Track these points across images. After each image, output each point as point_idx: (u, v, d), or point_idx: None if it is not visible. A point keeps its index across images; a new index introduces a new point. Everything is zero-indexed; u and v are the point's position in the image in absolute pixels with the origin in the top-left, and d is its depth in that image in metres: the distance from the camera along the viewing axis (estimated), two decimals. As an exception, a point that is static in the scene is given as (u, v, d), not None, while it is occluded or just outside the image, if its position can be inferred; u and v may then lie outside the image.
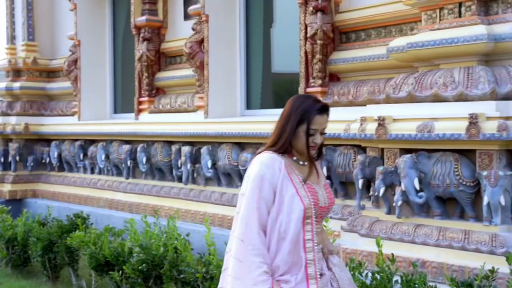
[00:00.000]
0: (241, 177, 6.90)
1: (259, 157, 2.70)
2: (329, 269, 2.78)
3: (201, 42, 7.52)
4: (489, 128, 4.38)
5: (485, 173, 4.42)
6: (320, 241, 2.77)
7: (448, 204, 4.85)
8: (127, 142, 8.65)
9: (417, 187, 4.76)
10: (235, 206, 6.78)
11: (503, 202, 4.36)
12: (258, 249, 2.55)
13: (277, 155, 2.69)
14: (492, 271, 3.46)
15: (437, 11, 5.02)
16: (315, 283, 2.63)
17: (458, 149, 4.68)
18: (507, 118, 4.40)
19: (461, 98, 4.68)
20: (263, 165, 2.64)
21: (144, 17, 8.38)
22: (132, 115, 8.86)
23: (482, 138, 4.40)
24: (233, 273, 2.58)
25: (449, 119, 4.64)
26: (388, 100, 5.20)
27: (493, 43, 4.59)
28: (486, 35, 4.55)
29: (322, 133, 2.71)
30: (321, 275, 2.70)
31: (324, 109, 2.70)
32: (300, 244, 2.62)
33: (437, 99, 4.82)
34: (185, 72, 8.09)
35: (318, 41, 6.16)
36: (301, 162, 2.75)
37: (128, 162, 8.33)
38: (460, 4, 4.83)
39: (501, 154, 4.49)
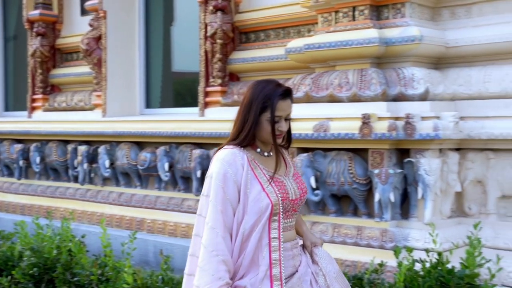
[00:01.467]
0: (139, 177, 6.79)
1: (219, 153, 2.49)
2: (315, 262, 2.62)
3: (98, 38, 7.32)
4: (380, 128, 4.56)
5: (376, 171, 4.60)
6: (301, 234, 2.67)
7: (342, 202, 5.01)
8: (19, 141, 8.26)
9: (313, 185, 4.88)
10: (133, 206, 6.78)
11: (392, 199, 4.56)
12: (223, 255, 2.37)
13: (238, 150, 2.49)
14: (381, 265, 3.62)
15: (333, 14, 5.17)
16: (279, 285, 2.43)
17: (352, 148, 4.85)
18: (397, 118, 4.61)
19: (355, 98, 4.85)
20: (225, 162, 2.44)
21: (37, 11, 8.04)
22: (25, 113, 8.48)
23: (374, 138, 4.58)
24: (196, 281, 2.40)
25: (343, 119, 4.79)
26: (286, 100, 5.28)
27: (384, 47, 4.80)
28: (378, 39, 4.74)
29: (287, 119, 2.54)
30: (292, 275, 2.51)
31: (287, 93, 2.52)
32: (264, 243, 2.43)
33: (332, 99, 4.97)
34: (82, 69, 7.84)
35: (218, 41, 6.17)
36: (265, 154, 2.56)
37: (20, 162, 7.97)
38: (354, 8, 5.00)
39: (391, 153, 4.70)
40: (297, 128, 4.98)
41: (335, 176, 4.84)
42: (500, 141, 4.55)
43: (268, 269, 2.42)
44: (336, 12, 5.14)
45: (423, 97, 4.71)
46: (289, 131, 2.61)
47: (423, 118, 4.54)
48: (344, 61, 5.03)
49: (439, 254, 3.59)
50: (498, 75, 4.70)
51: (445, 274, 3.40)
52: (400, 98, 4.78)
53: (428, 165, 4.50)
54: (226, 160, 2.44)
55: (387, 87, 4.76)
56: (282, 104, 2.49)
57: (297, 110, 5.08)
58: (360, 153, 4.84)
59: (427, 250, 3.66)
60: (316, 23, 5.42)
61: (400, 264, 3.50)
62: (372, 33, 4.79)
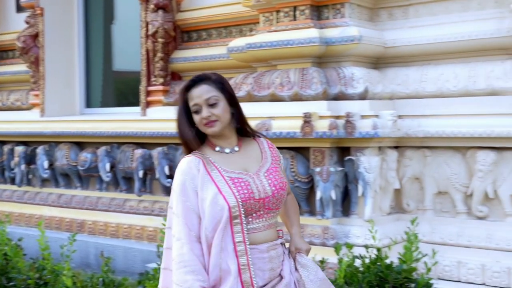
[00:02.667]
0: (80, 178, 6.66)
1: (179, 164, 2.42)
2: (297, 270, 2.46)
3: (35, 36, 7.12)
4: (322, 126, 4.62)
5: (318, 169, 4.66)
6: (290, 237, 2.53)
7: (285, 200, 5.05)
8: (-48, 142, 7.96)
9: (256, 184, 4.89)
10: (73, 208, 6.65)
11: (333, 197, 4.63)
12: (190, 265, 2.27)
13: (195, 156, 2.39)
14: (323, 261, 3.66)
15: (274, 13, 5.21)
16: None
17: (294, 146, 4.89)
18: (337, 117, 4.68)
19: (296, 97, 4.90)
20: (181, 171, 2.37)
21: (-30, 7, 7.78)
22: (-42, 113, 8.18)
23: (315, 136, 4.64)
24: None
25: (285, 118, 4.83)
26: (228, 99, 5.28)
27: (325, 46, 4.86)
28: (318, 38, 4.80)
29: (212, 105, 2.36)
30: (274, 281, 2.36)
31: (195, 81, 2.39)
32: (230, 248, 2.30)
33: (274, 98, 5.00)
34: (18, 67, 7.62)
35: (160, 40, 6.11)
36: (227, 150, 2.42)
37: (-46, 164, 7.67)
38: (295, 8, 5.04)
39: (332, 151, 4.77)
40: (240, 127, 5.00)
41: (278, 174, 4.86)
42: (436, 139, 4.68)
43: (238, 275, 2.29)
44: (277, 11, 5.17)
45: (363, 96, 4.80)
46: (239, 114, 2.44)
47: (363, 116, 4.63)
48: (285, 61, 5.07)
49: (378, 250, 3.67)
50: (433, 75, 4.84)
51: (383, 270, 3.48)
52: (340, 97, 4.85)
53: (367, 163, 4.59)
54: (182, 169, 2.37)
55: (328, 86, 4.83)
56: (192, 92, 2.38)
57: (239, 109, 5.11)
58: (302, 152, 4.89)
59: (366, 246, 3.73)
60: (258, 22, 5.44)
61: (340, 261, 3.56)
62: (312, 33, 4.84)
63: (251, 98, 5.10)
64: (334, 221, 4.70)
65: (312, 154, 4.79)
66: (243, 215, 2.32)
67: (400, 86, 4.97)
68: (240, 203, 2.31)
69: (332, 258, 4.02)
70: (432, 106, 4.78)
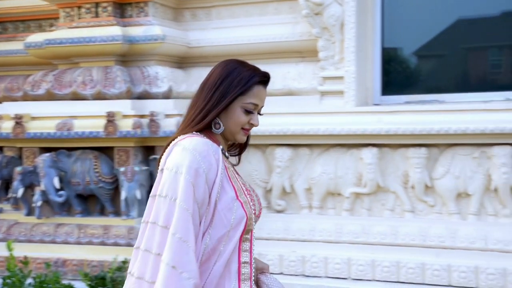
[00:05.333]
0: None
1: (186, 142, 1.85)
2: None
3: None
4: (125, 125, 4.56)
5: (122, 169, 4.59)
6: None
7: (89, 201, 4.91)
8: None
9: (57, 186, 4.70)
10: None
11: (139, 196, 4.59)
12: (195, 277, 1.75)
13: (210, 140, 1.90)
14: (125, 262, 3.62)
15: (75, 9, 5.02)
16: None
17: (97, 146, 4.77)
18: (142, 116, 4.65)
19: (100, 96, 4.78)
20: (197, 153, 1.82)
21: None
22: None
23: (119, 136, 4.56)
24: None
25: (88, 117, 4.69)
26: (27, 97, 5.01)
27: (128, 45, 4.80)
28: (121, 36, 4.73)
29: (259, 113, 2.01)
30: None
31: (267, 80, 2.01)
32: (233, 269, 1.86)
33: (76, 97, 4.83)
34: None
35: None
36: (227, 154, 2.02)
37: None
38: (97, 5, 4.91)
39: (137, 151, 4.73)
40: (38, 127, 4.76)
41: (81, 175, 4.72)
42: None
43: None
44: (79, 7, 4.99)
45: (167, 95, 4.83)
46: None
47: (167, 115, 4.66)
48: (88, 58, 4.92)
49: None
50: (235, 75, 5.01)
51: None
52: (145, 96, 4.83)
53: (172, 162, 4.62)
54: (199, 151, 1.83)
55: (132, 85, 4.78)
56: (262, 91, 1.98)
57: (38, 108, 4.87)
58: (106, 152, 4.79)
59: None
60: (59, 17, 5.21)
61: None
62: (115, 31, 4.75)
63: (51, 97, 4.87)
64: (139, 221, 4.64)
65: (116, 154, 4.71)
66: (254, 231, 1.93)
67: (204, 86, 5.07)
68: (253, 216, 1.92)
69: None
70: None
